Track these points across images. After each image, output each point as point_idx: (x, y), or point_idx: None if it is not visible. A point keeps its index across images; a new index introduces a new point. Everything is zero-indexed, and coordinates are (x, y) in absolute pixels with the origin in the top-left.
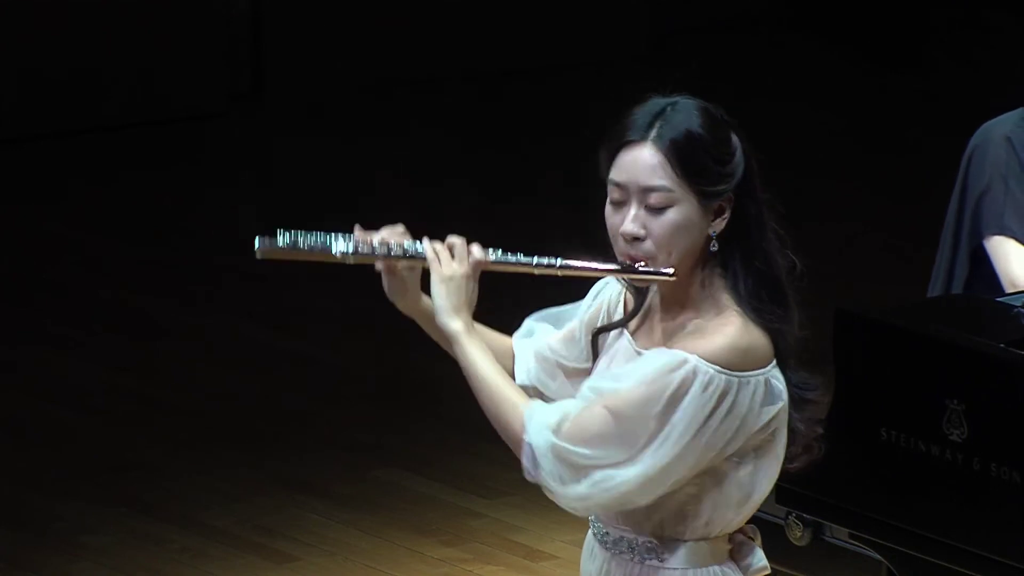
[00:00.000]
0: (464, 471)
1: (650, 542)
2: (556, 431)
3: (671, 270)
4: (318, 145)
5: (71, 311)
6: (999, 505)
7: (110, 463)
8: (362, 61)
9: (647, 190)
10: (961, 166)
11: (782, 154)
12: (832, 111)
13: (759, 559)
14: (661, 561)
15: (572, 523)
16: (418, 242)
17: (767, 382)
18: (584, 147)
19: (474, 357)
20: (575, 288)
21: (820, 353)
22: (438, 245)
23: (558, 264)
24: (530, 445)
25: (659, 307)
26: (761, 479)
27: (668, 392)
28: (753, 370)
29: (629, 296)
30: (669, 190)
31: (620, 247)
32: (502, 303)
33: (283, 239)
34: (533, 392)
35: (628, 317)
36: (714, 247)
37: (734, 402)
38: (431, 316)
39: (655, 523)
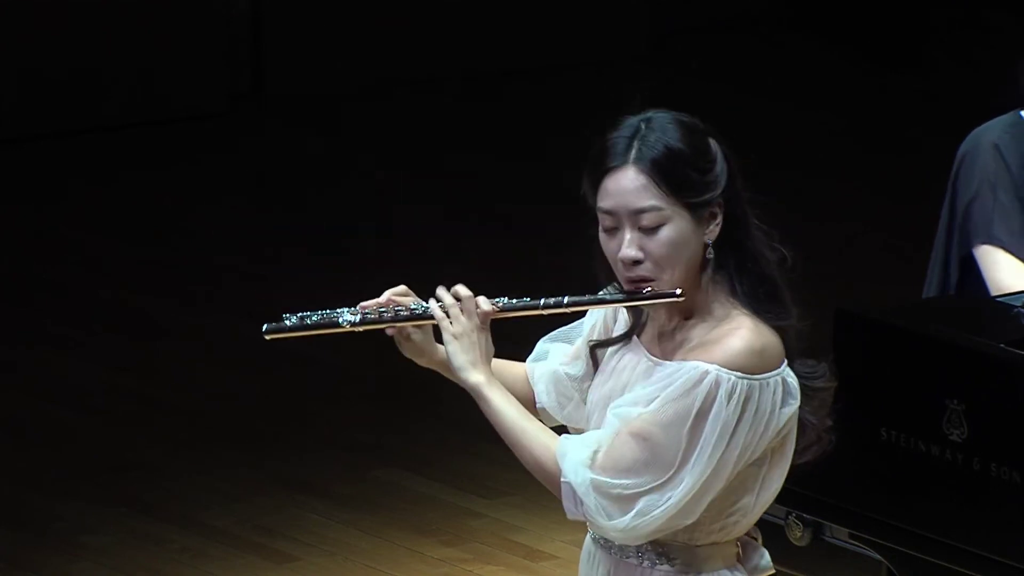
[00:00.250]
0: (464, 471)
1: (660, 547)
2: (592, 466)
3: (679, 291)
4: (318, 145)
5: (71, 311)
6: (999, 505)
7: (110, 463)
8: (362, 61)
9: (637, 212)
10: (951, 173)
11: (782, 154)
12: (832, 111)
13: (765, 560)
14: (671, 566)
15: (572, 523)
16: (423, 303)
17: (784, 381)
18: (584, 147)
19: (498, 406)
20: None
21: (820, 353)
22: (445, 299)
23: (565, 302)
24: (569, 484)
25: (664, 316)
26: (774, 480)
27: (695, 408)
28: (770, 371)
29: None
30: (659, 208)
31: (621, 272)
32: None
33: (290, 321)
34: (548, 415)
35: (628, 333)
36: (710, 254)
37: (758, 406)
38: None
39: None
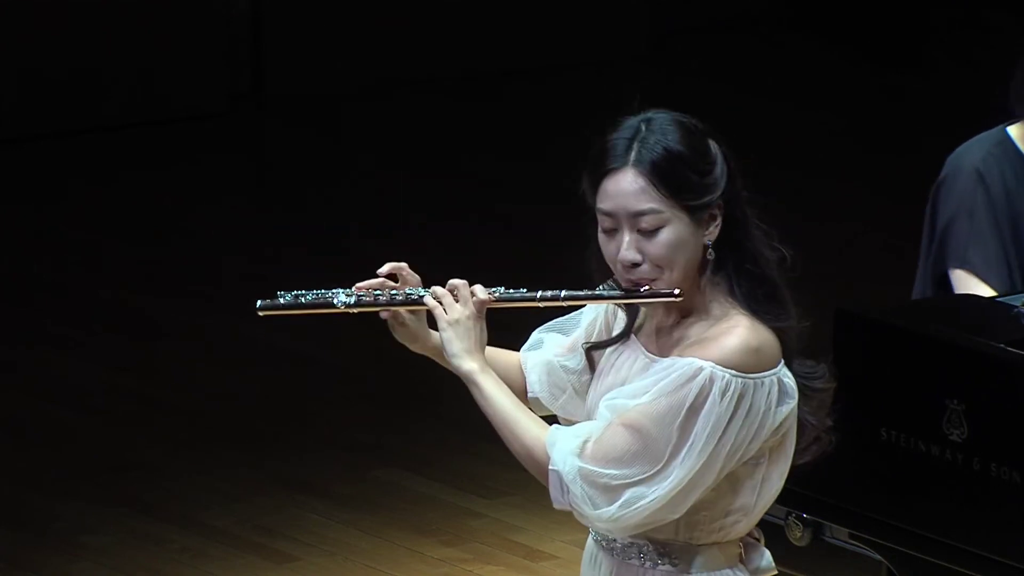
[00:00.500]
0: (464, 471)
1: (661, 548)
2: (580, 454)
3: (676, 290)
4: (318, 145)
5: (71, 311)
6: (999, 505)
7: (110, 463)
8: (362, 61)
9: (636, 215)
10: (931, 192)
11: (782, 154)
12: (832, 111)
13: (767, 560)
14: (674, 567)
15: (572, 523)
16: (420, 288)
17: (780, 381)
18: (584, 147)
19: (490, 394)
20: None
21: (820, 353)
22: (440, 290)
23: (562, 295)
24: (557, 472)
25: (662, 314)
26: (774, 480)
27: (688, 403)
28: (766, 370)
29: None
30: (658, 211)
31: (620, 273)
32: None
33: (284, 298)
34: (541, 404)
35: (623, 333)
36: (711, 255)
37: (751, 404)
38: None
39: (668, 529)
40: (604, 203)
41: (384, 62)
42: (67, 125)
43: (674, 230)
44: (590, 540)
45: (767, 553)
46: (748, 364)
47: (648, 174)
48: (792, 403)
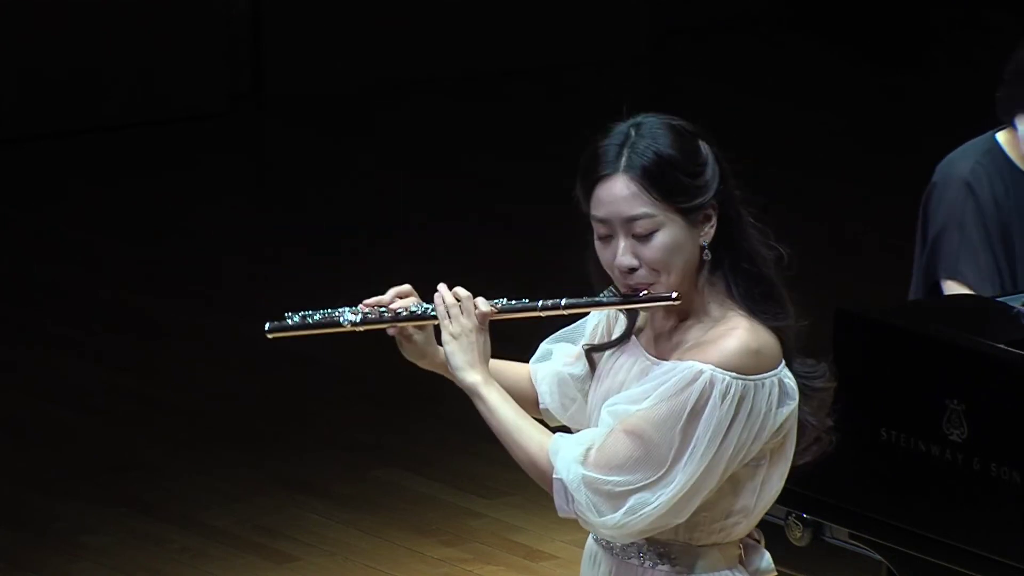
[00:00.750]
0: (464, 471)
1: (661, 548)
2: (584, 462)
3: (675, 294)
4: (318, 145)
5: (71, 311)
6: (999, 505)
7: (110, 463)
8: (362, 61)
9: (630, 220)
10: (922, 198)
11: (782, 154)
12: (832, 111)
13: (767, 562)
14: (673, 567)
15: (572, 523)
16: (424, 303)
17: (780, 382)
18: (584, 147)
19: (494, 406)
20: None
21: (820, 353)
22: (446, 298)
23: (563, 304)
24: (561, 481)
25: (662, 317)
26: (775, 481)
27: (688, 407)
28: (767, 371)
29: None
30: (651, 215)
31: (618, 279)
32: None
33: (292, 319)
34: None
35: (623, 336)
36: (707, 256)
37: (752, 406)
38: None
39: (669, 530)
40: (598, 210)
41: (384, 62)
42: (67, 125)
43: (669, 233)
44: (590, 539)
45: (767, 555)
46: (748, 366)
47: (640, 179)
48: (793, 404)
